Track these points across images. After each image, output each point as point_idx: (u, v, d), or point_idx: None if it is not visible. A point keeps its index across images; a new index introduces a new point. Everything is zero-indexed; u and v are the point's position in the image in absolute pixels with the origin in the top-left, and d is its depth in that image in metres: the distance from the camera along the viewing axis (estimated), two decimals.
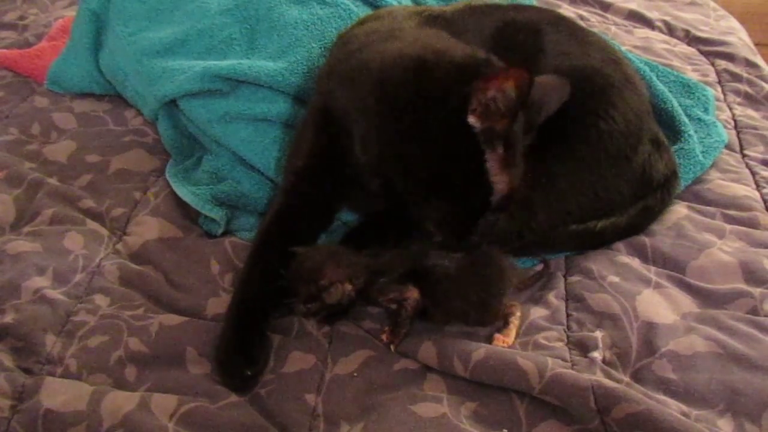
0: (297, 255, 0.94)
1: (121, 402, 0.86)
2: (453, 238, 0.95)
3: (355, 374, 0.91)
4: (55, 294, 1.01)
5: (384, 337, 0.94)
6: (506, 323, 0.95)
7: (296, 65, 1.22)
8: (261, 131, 1.21)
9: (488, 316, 0.95)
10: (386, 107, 0.93)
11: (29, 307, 0.98)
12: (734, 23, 1.78)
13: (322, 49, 1.23)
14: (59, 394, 0.87)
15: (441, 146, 0.90)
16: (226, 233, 1.13)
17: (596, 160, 1.07)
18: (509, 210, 0.95)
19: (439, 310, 0.94)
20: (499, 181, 0.91)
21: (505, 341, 0.93)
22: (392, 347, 0.93)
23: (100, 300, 1.02)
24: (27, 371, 0.92)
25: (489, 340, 0.93)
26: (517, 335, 0.95)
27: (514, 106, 0.86)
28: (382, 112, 0.94)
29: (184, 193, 1.18)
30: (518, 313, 0.96)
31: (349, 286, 0.91)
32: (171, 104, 1.30)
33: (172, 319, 0.98)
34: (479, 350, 0.90)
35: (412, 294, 0.93)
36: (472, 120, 0.89)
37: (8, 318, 0.96)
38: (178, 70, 1.27)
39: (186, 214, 1.17)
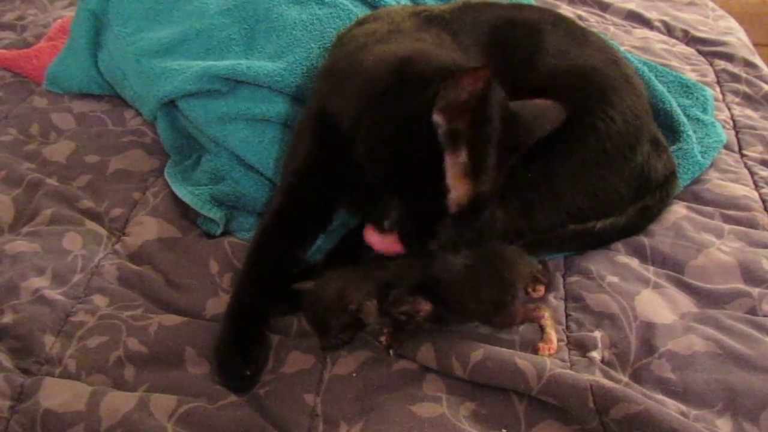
0: (306, 293, 0.92)
1: (120, 402, 0.86)
2: (408, 239, 0.92)
3: (354, 374, 0.91)
4: (54, 294, 1.01)
5: (383, 340, 0.93)
6: (543, 330, 0.94)
7: (295, 65, 1.22)
8: (260, 131, 1.21)
9: (507, 314, 0.94)
10: (368, 96, 0.94)
11: (28, 308, 0.98)
12: (733, 23, 1.78)
13: (321, 49, 1.23)
14: (58, 394, 0.87)
15: (405, 141, 0.89)
16: (225, 233, 1.13)
17: (595, 161, 1.07)
18: (473, 224, 0.92)
19: (455, 315, 0.93)
20: (457, 188, 0.89)
21: (550, 349, 0.92)
22: (391, 352, 0.93)
23: (99, 300, 1.02)
24: (26, 372, 0.92)
25: (535, 352, 0.92)
26: (558, 339, 0.94)
27: (475, 102, 0.85)
28: (364, 100, 0.94)
29: (183, 193, 1.18)
30: (547, 314, 0.96)
31: (375, 301, 0.90)
32: (170, 104, 1.30)
33: (171, 320, 0.98)
34: (477, 351, 0.90)
35: (425, 307, 0.91)
36: (436, 118, 0.87)
37: (7, 318, 0.96)
38: (177, 70, 1.27)
39: (185, 214, 1.17)
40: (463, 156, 0.88)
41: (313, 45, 1.24)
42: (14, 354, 0.93)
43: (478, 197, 0.90)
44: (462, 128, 0.87)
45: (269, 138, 1.21)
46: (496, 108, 0.91)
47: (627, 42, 1.61)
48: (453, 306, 0.92)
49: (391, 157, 0.91)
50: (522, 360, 0.88)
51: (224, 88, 1.24)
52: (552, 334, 0.94)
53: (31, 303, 0.99)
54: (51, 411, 0.85)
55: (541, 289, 1.01)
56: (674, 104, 1.31)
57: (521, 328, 0.96)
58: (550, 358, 0.90)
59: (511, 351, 0.91)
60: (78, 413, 0.85)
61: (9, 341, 0.94)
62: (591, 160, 1.07)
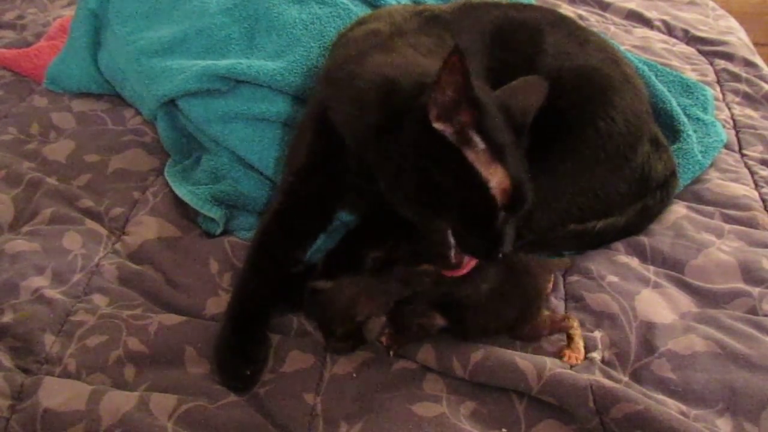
0: (321, 292, 0.91)
1: (119, 402, 0.86)
2: (480, 253, 0.90)
3: (354, 374, 0.91)
4: (54, 294, 1.01)
5: (383, 340, 0.93)
6: (570, 338, 0.94)
7: (295, 65, 1.22)
8: (260, 131, 1.21)
9: (532, 328, 0.94)
10: (366, 129, 0.93)
11: (28, 307, 0.98)
12: (733, 23, 1.78)
13: (321, 48, 1.23)
14: (58, 393, 0.87)
15: (423, 163, 0.88)
16: (225, 233, 1.13)
17: (595, 160, 1.07)
18: (524, 206, 0.91)
19: (472, 331, 0.92)
20: (493, 176, 0.87)
21: (577, 358, 0.91)
22: (391, 352, 0.92)
23: (99, 300, 1.02)
24: (26, 371, 0.92)
25: (559, 357, 0.92)
26: (585, 347, 0.93)
27: (462, 91, 0.84)
28: (363, 132, 0.94)
29: (183, 192, 1.17)
30: (576, 324, 0.95)
31: (384, 318, 0.89)
32: (170, 104, 1.30)
33: (171, 319, 0.98)
34: (477, 351, 0.90)
35: (439, 322, 0.91)
36: (438, 126, 0.86)
37: (7, 318, 0.96)
38: (177, 69, 1.27)
39: (185, 213, 1.17)
40: (480, 144, 0.87)
41: (313, 44, 1.24)
42: (14, 353, 0.93)
43: (517, 177, 0.89)
44: (465, 120, 0.86)
45: (269, 137, 1.20)
46: (480, 86, 0.90)
47: (627, 41, 1.61)
48: (471, 327, 0.92)
49: (420, 183, 0.89)
50: (522, 360, 0.88)
51: (224, 87, 1.24)
52: (580, 343, 0.93)
53: (31, 302, 0.99)
54: (51, 410, 0.85)
55: (550, 285, 1.01)
56: (674, 104, 1.31)
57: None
58: (550, 358, 0.90)
59: (511, 351, 0.91)
60: (78, 412, 0.85)
61: (9, 340, 0.94)
62: (591, 159, 1.07)
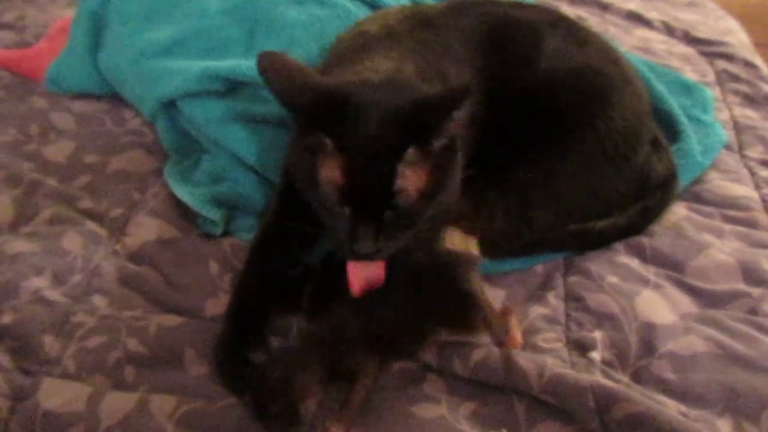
0: (255, 366, 0.87)
1: (119, 403, 0.86)
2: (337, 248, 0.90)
3: None
4: (54, 294, 1.01)
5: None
6: (506, 329, 0.92)
7: None
8: (260, 132, 1.21)
9: (472, 319, 0.89)
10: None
11: (27, 308, 0.98)
12: (733, 24, 1.79)
13: (321, 49, 1.23)
14: (57, 394, 0.87)
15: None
16: (225, 234, 1.13)
17: (595, 160, 1.07)
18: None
19: (416, 341, 0.90)
20: (326, 183, 0.85)
21: (514, 345, 0.91)
22: None
23: (99, 301, 1.02)
24: (25, 372, 0.91)
25: (499, 346, 0.90)
26: (522, 332, 0.92)
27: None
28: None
29: (182, 193, 1.17)
30: (512, 317, 0.93)
31: (320, 393, 0.85)
32: (170, 105, 1.30)
33: (171, 320, 0.98)
34: (479, 350, 0.89)
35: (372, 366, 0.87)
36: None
37: (6, 318, 0.96)
38: (176, 70, 1.27)
39: (185, 214, 1.17)
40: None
41: (312, 45, 1.24)
42: (14, 354, 0.93)
43: (358, 174, 0.84)
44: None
45: (269, 139, 1.20)
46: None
47: (627, 42, 1.61)
48: (408, 336, 0.89)
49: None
50: (523, 360, 0.88)
51: (224, 88, 1.24)
52: (516, 329, 0.92)
53: (31, 303, 0.99)
54: (50, 411, 0.85)
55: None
56: (674, 104, 1.31)
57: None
58: (551, 359, 0.90)
59: (512, 351, 0.91)
60: (77, 413, 0.85)
61: (8, 341, 0.94)
62: (591, 159, 1.07)
